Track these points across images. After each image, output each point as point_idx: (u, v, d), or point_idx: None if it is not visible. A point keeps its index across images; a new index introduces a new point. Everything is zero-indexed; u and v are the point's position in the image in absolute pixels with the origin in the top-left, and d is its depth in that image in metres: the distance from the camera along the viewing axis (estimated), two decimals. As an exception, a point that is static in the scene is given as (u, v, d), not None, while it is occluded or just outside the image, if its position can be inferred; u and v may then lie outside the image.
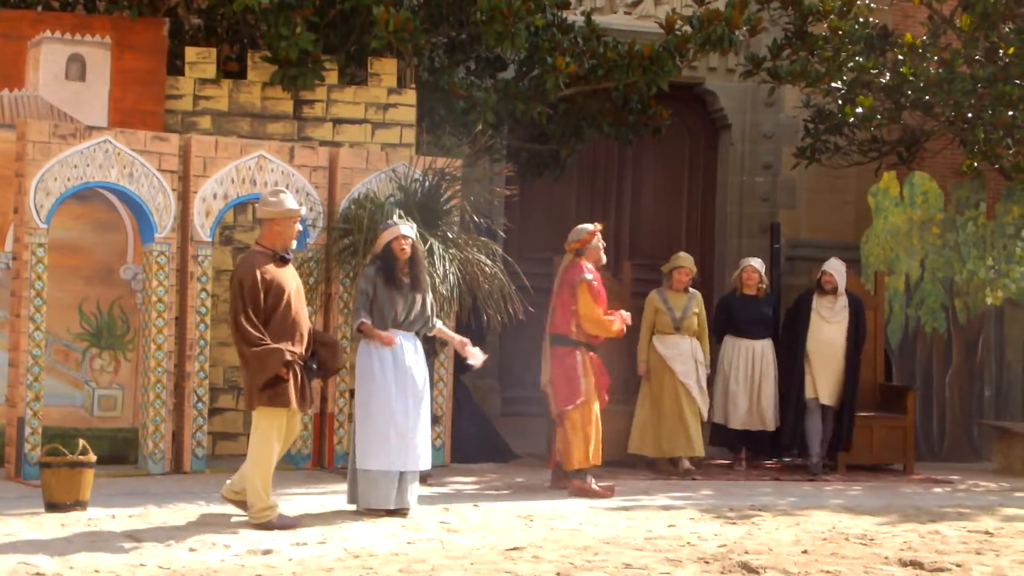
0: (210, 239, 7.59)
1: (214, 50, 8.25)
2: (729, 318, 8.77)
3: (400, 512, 6.38)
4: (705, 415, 8.39)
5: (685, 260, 8.52)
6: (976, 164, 9.92)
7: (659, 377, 8.34)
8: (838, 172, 10.74)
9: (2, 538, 5.48)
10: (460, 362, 8.46)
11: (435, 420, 8.12)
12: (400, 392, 6.38)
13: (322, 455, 7.82)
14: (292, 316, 6.03)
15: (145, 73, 7.98)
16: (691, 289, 8.51)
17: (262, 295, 5.96)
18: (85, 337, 7.76)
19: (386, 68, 8.48)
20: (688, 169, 11.59)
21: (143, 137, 7.46)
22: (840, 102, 9.78)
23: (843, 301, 8.75)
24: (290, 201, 6.16)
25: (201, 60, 8.18)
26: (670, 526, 6.45)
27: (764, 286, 8.83)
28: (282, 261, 6.11)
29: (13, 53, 7.80)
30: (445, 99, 8.91)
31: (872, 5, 9.83)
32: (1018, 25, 9.51)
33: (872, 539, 6.23)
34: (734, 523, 6.61)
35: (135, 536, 5.63)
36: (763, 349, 8.70)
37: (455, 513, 6.56)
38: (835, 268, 8.79)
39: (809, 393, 8.66)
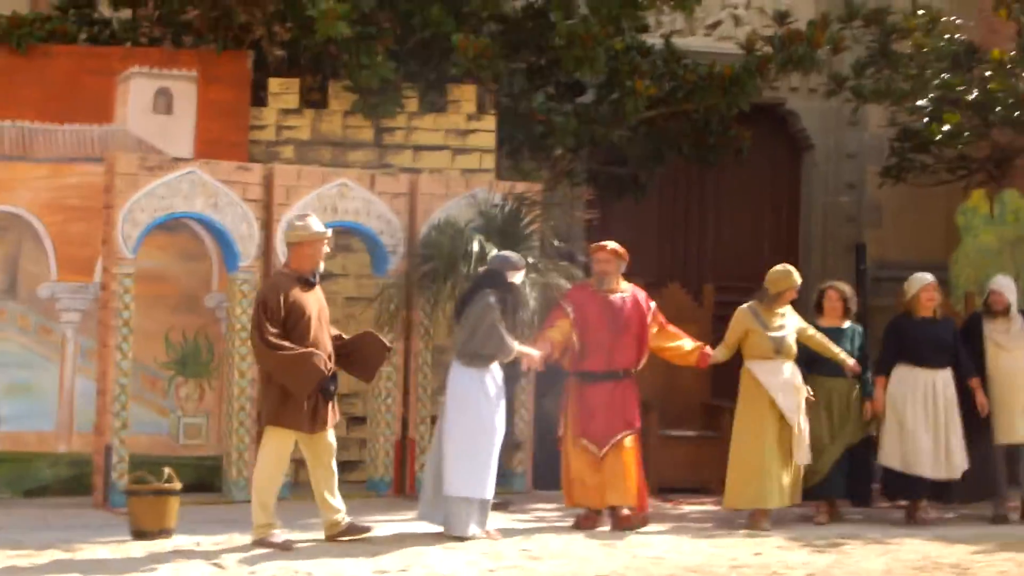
0: (293, 267, 7.67)
1: (296, 81, 8.37)
2: (902, 345, 7.61)
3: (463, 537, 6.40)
4: (802, 459, 7.24)
5: (795, 279, 7.37)
6: (1070, 181, 9.63)
7: (755, 408, 7.20)
8: (925, 191, 10.49)
9: (90, 565, 5.56)
10: (542, 384, 8.43)
11: (516, 446, 8.09)
12: (499, 419, 6.58)
13: (403, 482, 7.83)
14: (312, 338, 6.09)
15: (230, 105, 8.12)
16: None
17: (283, 316, 6.04)
18: (171, 365, 7.87)
19: (466, 94, 8.52)
20: (770, 190, 11.43)
21: (227, 167, 7.58)
22: (926, 120, 9.56)
23: (1019, 323, 7.75)
24: (316, 224, 6.24)
25: (284, 91, 8.30)
26: (756, 554, 6.32)
27: (939, 306, 7.70)
28: (307, 284, 6.18)
29: (103, 88, 7.99)
30: (524, 124, 8.92)
31: (958, 21, 9.62)
32: (1112, 38, 9.24)
33: (967, 568, 6.05)
34: (822, 551, 6.46)
35: (220, 563, 5.68)
36: (944, 381, 7.57)
37: (536, 540, 6.51)
38: (1004, 285, 7.75)
39: (996, 433, 7.64)
